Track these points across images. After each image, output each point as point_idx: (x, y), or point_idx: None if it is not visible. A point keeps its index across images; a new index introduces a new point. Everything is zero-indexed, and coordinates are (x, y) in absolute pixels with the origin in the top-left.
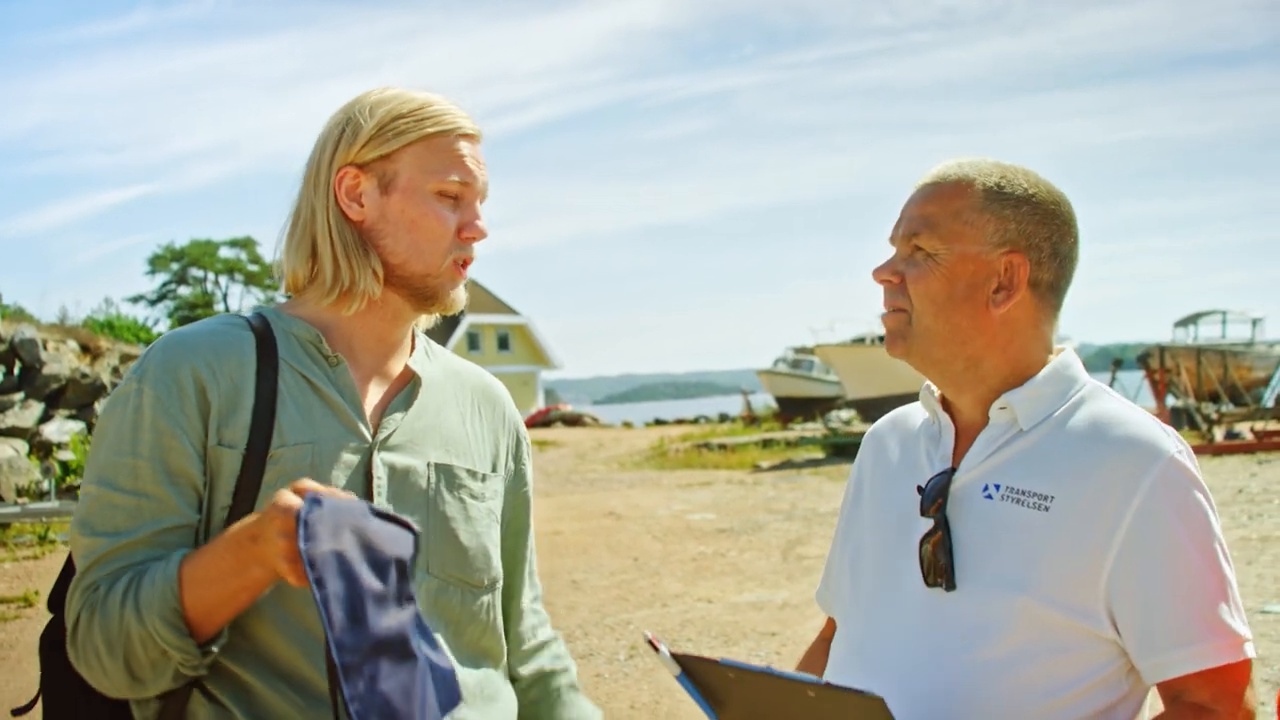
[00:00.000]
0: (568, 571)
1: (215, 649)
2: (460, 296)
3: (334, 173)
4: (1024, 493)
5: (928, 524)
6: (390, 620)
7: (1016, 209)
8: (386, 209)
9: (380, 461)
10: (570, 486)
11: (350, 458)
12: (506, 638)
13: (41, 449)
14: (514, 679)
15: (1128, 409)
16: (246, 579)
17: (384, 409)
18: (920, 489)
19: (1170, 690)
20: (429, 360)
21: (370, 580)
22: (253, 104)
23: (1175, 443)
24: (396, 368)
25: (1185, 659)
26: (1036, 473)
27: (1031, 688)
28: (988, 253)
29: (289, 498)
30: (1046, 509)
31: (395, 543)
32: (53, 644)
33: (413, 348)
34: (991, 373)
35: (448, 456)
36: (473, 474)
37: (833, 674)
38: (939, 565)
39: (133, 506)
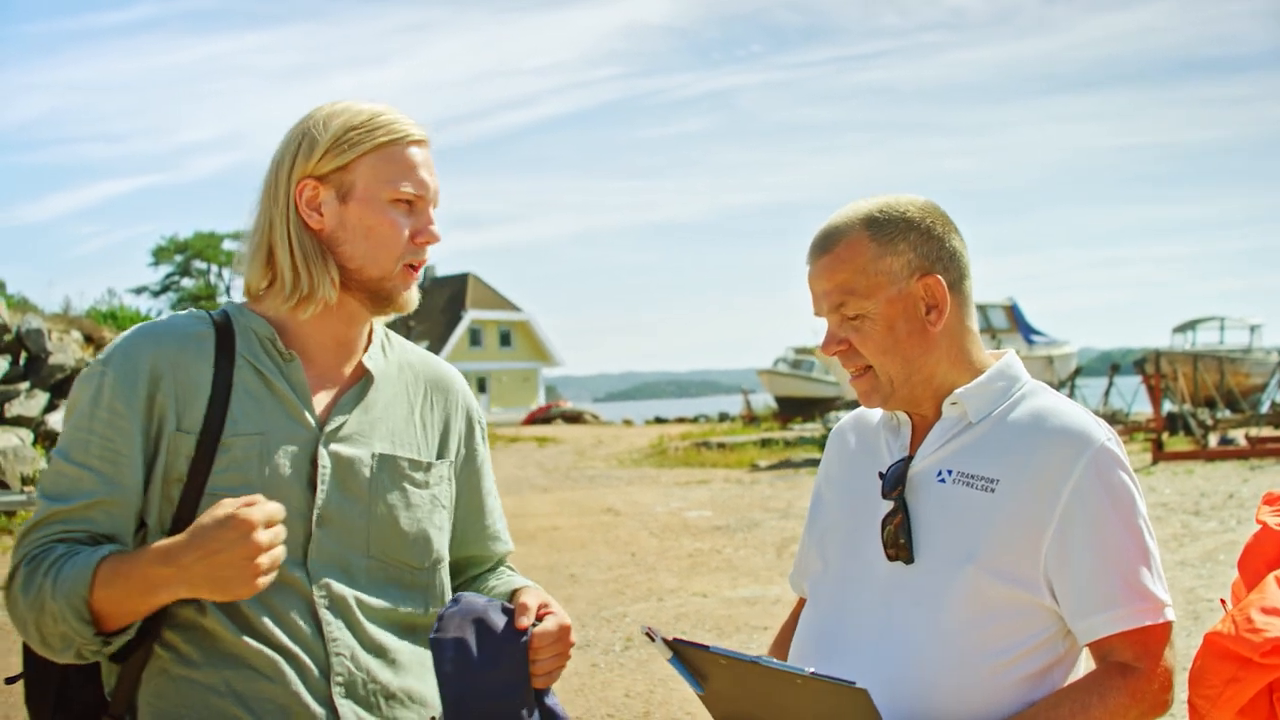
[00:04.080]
0: (566, 565)
1: (118, 641)
2: (413, 297)
3: (293, 185)
4: (973, 477)
5: (889, 505)
6: (502, 702)
7: (906, 238)
8: (345, 217)
9: (325, 452)
10: (570, 483)
11: (298, 448)
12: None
13: (47, 438)
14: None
15: (1065, 403)
16: (150, 599)
17: (334, 404)
18: (881, 475)
19: (1100, 650)
20: (384, 355)
21: (484, 664)
22: (258, 96)
23: (1105, 431)
24: (350, 365)
25: (1112, 620)
26: (984, 459)
27: (981, 650)
28: (905, 287)
29: (245, 512)
30: (992, 490)
31: (514, 633)
32: None
33: (369, 344)
34: (944, 380)
35: (392, 448)
36: (416, 464)
37: (799, 643)
38: (899, 542)
39: (75, 477)
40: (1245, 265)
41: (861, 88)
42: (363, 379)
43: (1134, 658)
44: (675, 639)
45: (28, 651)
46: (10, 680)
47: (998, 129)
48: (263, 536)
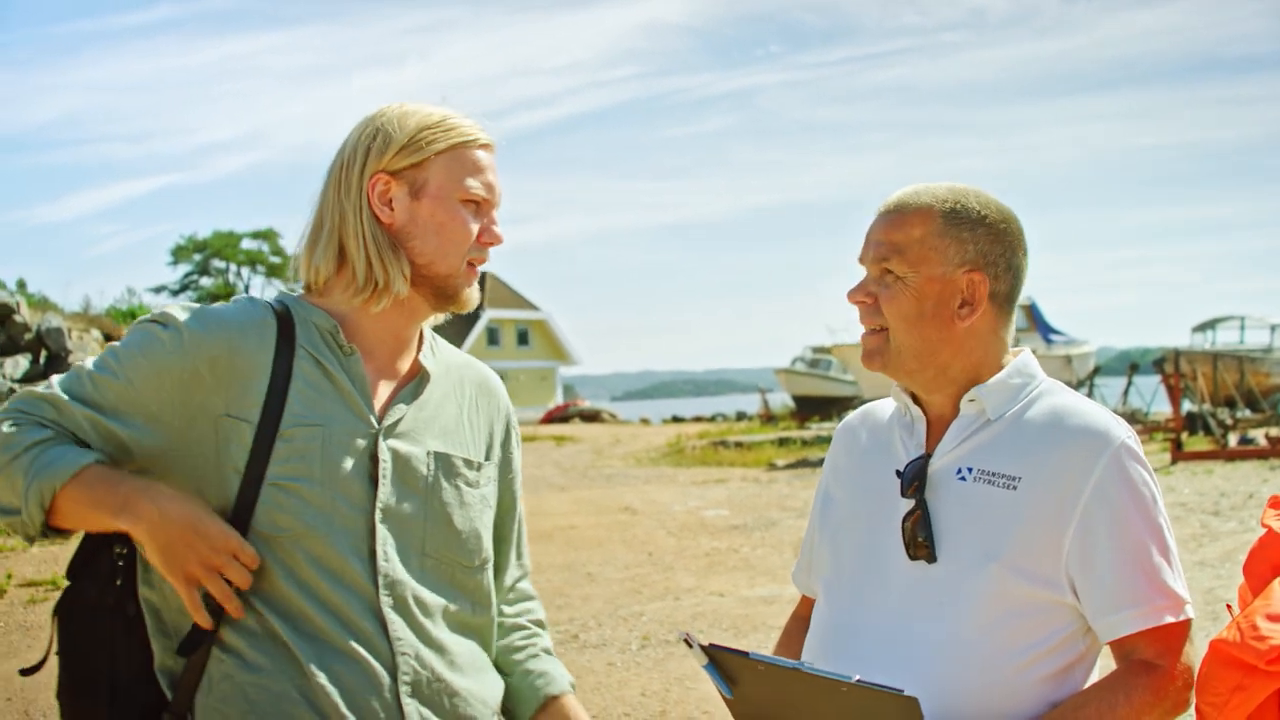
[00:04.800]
0: (583, 564)
1: (45, 538)
2: (474, 295)
3: (366, 179)
4: (994, 474)
5: (908, 504)
6: None
7: (973, 231)
8: (417, 213)
9: (385, 447)
10: (587, 481)
11: (358, 442)
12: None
13: None
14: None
15: (1083, 401)
16: (111, 520)
17: (391, 399)
18: (899, 473)
19: (1121, 649)
20: (434, 356)
21: None
22: (276, 96)
23: (1125, 430)
24: (406, 362)
25: (1135, 618)
26: (1004, 456)
27: (1003, 650)
28: (951, 273)
29: (241, 542)
30: (1015, 488)
31: None
32: (68, 612)
33: (420, 343)
34: (958, 374)
35: (446, 446)
36: (469, 463)
37: (815, 642)
38: (920, 541)
39: (90, 391)
40: (1266, 264)
41: (880, 87)
42: (418, 376)
43: (1156, 655)
44: (712, 644)
45: (67, 649)
46: (27, 671)
47: (1016, 128)
48: (230, 567)
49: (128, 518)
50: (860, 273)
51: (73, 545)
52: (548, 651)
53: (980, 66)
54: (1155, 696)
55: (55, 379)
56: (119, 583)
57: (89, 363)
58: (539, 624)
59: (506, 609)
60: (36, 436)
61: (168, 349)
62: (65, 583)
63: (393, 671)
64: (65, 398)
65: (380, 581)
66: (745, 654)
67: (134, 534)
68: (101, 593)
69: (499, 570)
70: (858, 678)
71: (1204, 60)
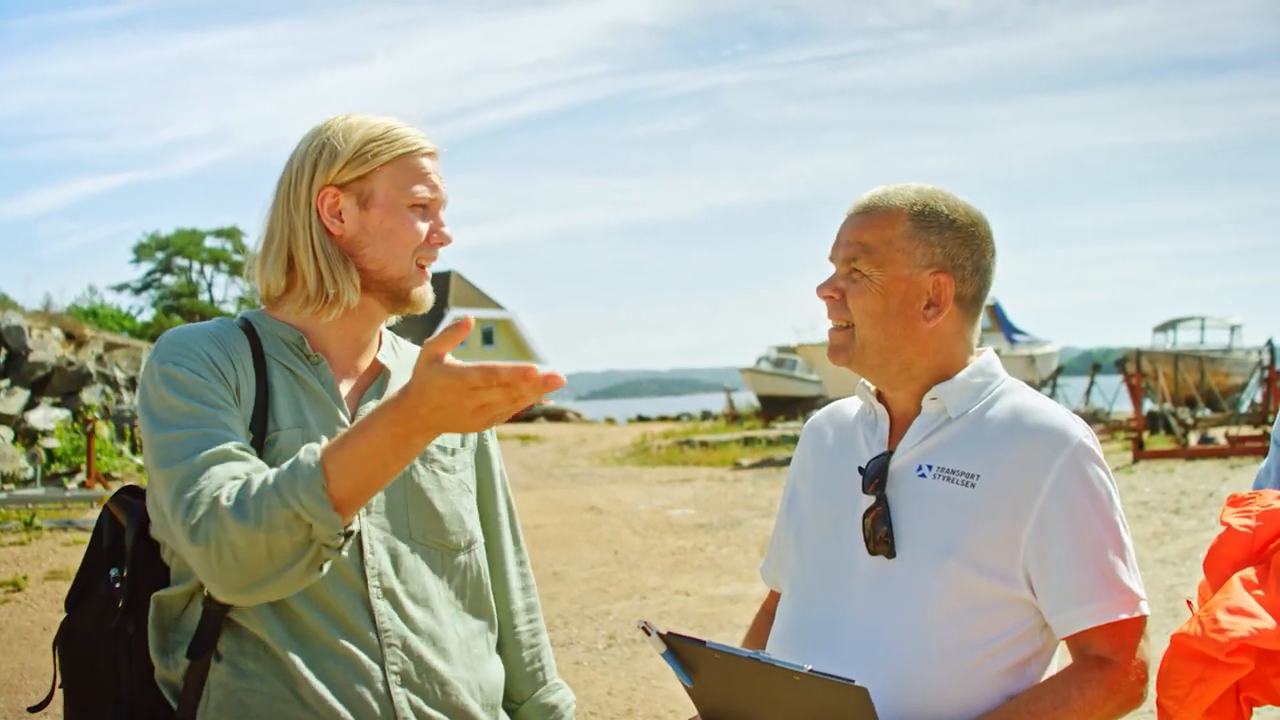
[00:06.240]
0: (549, 563)
1: (351, 530)
2: (428, 295)
3: (315, 193)
4: (953, 472)
5: (869, 500)
6: None
7: (941, 234)
8: (366, 223)
9: None
10: (552, 481)
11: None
12: (494, 597)
13: (27, 436)
14: (503, 642)
15: (1042, 401)
16: (400, 461)
17: (359, 398)
18: (861, 469)
19: (1076, 644)
20: (395, 354)
21: None
22: (244, 92)
23: (1083, 428)
24: (367, 362)
25: (1090, 614)
26: (964, 454)
27: (961, 644)
28: (918, 274)
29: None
30: (973, 485)
31: None
32: (68, 641)
33: (380, 344)
34: (922, 373)
35: None
36: (443, 449)
37: (779, 637)
38: (880, 536)
39: (196, 435)
40: (1228, 265)
41: (846, 86)
42: (380, 374)
43: (1110, 651)
44: (670, 633)
45: (70, 678)
46: (35, 709)
47: (982, 128)
48: (485, 395)
49: (417, 443)
50: (830, 269)
51: (35, 557)
52: (550, 669)
53: (945, 66)
54: (1109, 691)
55: (151, 477)
56: (120, 604)
57: (151, 432)
58: (540, 633)
59: (519, 622)
60: (249, 489)
61: (184, 368)
62: (25, 584)
63: (381, 663)
64: (183, 465)
65: (368, 574)
66: (702, 643)
67: (424, 430)
68: (101, 618)
69: (497, 558)
70: (810, 668)
71: (1171, 60)
